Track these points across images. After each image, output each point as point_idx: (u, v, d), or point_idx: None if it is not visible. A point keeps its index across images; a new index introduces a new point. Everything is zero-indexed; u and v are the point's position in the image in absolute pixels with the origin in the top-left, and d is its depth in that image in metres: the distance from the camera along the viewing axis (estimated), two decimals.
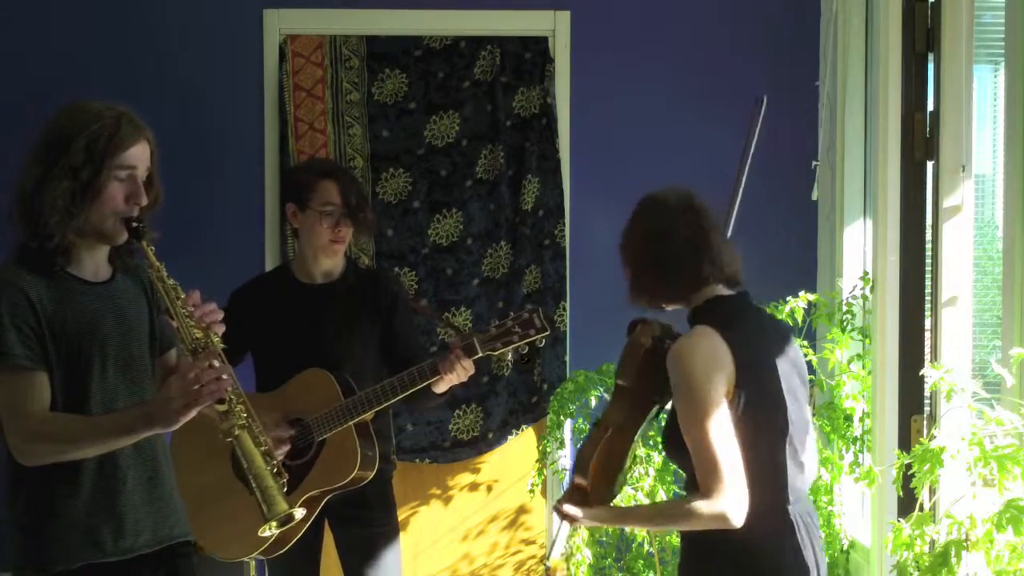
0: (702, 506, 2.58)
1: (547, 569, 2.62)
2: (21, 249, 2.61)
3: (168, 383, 2.54)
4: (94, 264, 2.68)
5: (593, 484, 2.71)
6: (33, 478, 2.59)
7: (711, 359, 2.61)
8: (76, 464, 2.59)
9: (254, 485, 2.56)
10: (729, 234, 2.89)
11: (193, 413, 2.53)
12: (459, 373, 3.49)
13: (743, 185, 3.17)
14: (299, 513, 2.57)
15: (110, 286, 2.69)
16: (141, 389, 2.69)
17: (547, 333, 3.47)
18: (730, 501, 2.57)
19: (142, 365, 2.72)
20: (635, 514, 2.70)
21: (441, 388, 3.56)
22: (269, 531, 2.56)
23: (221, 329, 2.62)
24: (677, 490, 4.15)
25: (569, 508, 2.70)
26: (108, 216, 2.59)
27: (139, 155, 2.62)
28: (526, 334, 3.45)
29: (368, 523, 3.73)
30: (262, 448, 2.58)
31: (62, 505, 2.59)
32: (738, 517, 2.58)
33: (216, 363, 2.53)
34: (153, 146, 2.66)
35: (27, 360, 2.53)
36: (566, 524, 2.65)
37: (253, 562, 4.14)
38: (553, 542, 2.66)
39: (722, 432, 2.58)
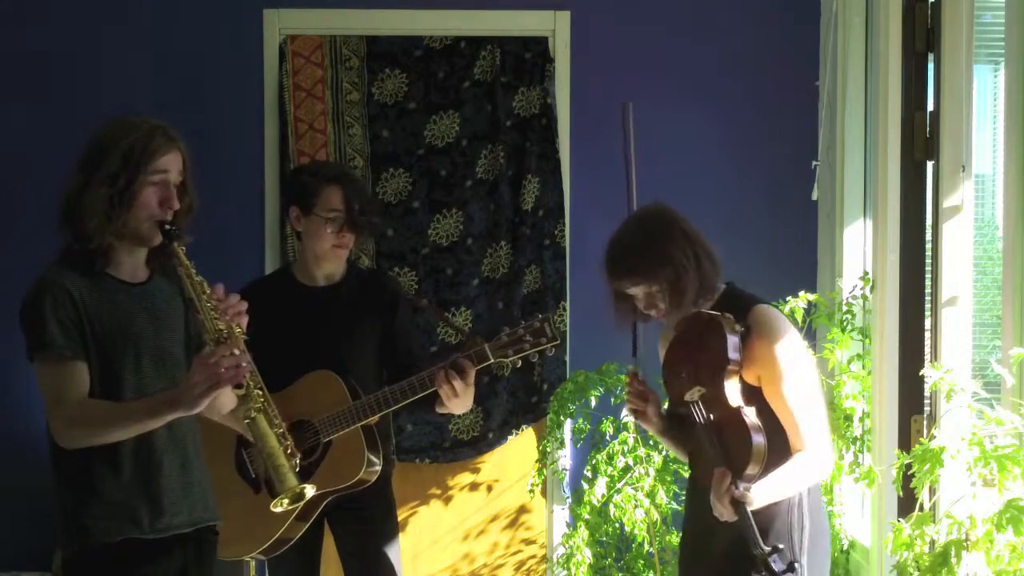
0: (814, 461, 2.79)
1: (764, 555, 2.61)
2: (65, 251, 2.82)
3: (191, 369, 2.73)
4: (132, 266, 2.88)
5: (759, 467, 2.77)
6: (76, 463, 2.78)
7: (791, 327, 2.86)
8: (115, 450, 2.77)
9: (267, 464, 2.75)
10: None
11: (214, 396, 2.70)
12: (462, 383, 3.47)
13: (635, 193, 3.20)
14: (310, 490, 2.75)
15: (147, 287, 2.90)
16: (174, 383, 2.86)
17: (557, 342, 3.52)
18: (830, 451, 2.83)
19: (176, 361, 2.91)
20: (772, 489, 2.75)
21: (442, 409, 3.56)
22: (281, 507, 2.75)
23: (245, 320, 2.79)
24: (677, 490, 4.16)
25: (749, 495, 2.70)
26: (143, 220, 2.80)
27: (171, 162, 2.82)
28: (537, 343, 3.49)
29: (368, 522, 3.74)
30: (277, 430, 2.77)
31: (103, 486, 2.78)
32: (832, 466, 2.89)
33: (236, 351, 2.70)
34: (186, 156, 2.86)
35: (68, 350, 2.74)
36: (748, 511, 2.68)
37: (253, 562, 4.14)
38: (754, 532, 2.64)
39: (817, 390, 2.83)
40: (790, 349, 2.82)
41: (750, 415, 2.78)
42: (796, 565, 2.64)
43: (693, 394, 2.84)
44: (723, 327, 2.79)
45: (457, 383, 3.44)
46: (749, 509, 2.67)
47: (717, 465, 2.76)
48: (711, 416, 2.82)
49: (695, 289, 2.90)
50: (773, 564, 2.59)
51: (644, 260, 2.91)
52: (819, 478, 2.85)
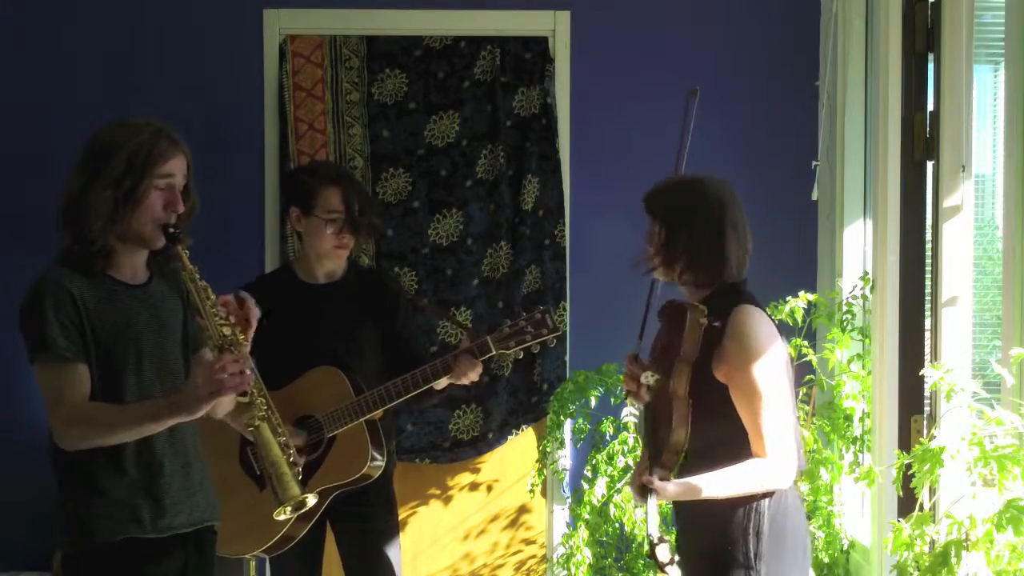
0: (765, 468, 2.74)
1: (653, 545, 2.64)
2: (66, 252, 2.81)
3: (194, 373, 2.74)
4: (133, 268, 2.88)
5: (675, 458, 2.78)
6: (78, 463, 2.78)
7: (772, 333, 2.81)
8: (117, 453, 2.78)
9: (270, 472, 2.77)
10: None
11: (215, 402, 2.71)
12: (470, 373, 3.52)
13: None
14: (312, 499, 2.79)
15: (147, 288, 2.89)
16: (174, 385, 2.87)
17: (558, 333, 3.58)
18: (789, 463, 2.76)
19: (175, 363, 2.91)
20: (703, 485, 2.76)
21: (441, 384, 3.59)
22: (284, 515, 2.79)
23: (251, 329, 2.79)
24: None
25: (656, 482, 2.72)
26: (147, 223, 2.80)
27: (176, 166, 2.83)
28: (538, 334, 3.54)
29: (369, 520, 3.75)
30: (280, 439, 2.79)
31: (106, 485, 2.78)
32: (790, 479, 2.78)
33: (240, 358, 2.70)
34: (189, 159, 2.86)
35: (69, 352, 2.73)
36: (653, 498, 2.74)
37: (253, 560, 4.14)
38: (651, 520, 2.69)
39: (785, 400, 2.77)
40: (762, 355, 2.78)
41: (681, 408, 2.77)
42: (676, 559, 2.67)
43: (648, 378, 2.86)
44: (687, 318, 2.79)
45: (463, 376, 3.54)
46: (654, 498, 2.70)
47: (648, 448, 2.82)
48: (654, 401, 2.84)
49: (682, 257, 2.86)
50: (658, 552, 2.64)
51: (660, 197, 2.94)
52: (772, 487, 2.78)
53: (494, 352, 3.55)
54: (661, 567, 2.65)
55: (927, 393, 3.43)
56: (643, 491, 2.73)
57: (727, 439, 2.77)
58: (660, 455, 2.77)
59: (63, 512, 2.82)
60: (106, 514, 2.77)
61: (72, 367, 2.74)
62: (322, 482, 3.55)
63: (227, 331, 2.74)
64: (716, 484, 2.75)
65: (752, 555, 2.76)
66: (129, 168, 2.75)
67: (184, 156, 2.84)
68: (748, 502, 2.76)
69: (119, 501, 2.78)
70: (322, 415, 3.59)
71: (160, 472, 2.82)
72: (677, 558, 2.68)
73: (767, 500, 2.78)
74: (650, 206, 2.94)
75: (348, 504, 3.68)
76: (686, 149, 3.15)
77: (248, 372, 2.70)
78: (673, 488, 2.74)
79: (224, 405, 2.87)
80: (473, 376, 3.58)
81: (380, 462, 3.63)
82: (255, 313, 2.82)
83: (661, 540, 2.65)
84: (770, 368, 2.77)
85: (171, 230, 2.80)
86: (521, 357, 3.67)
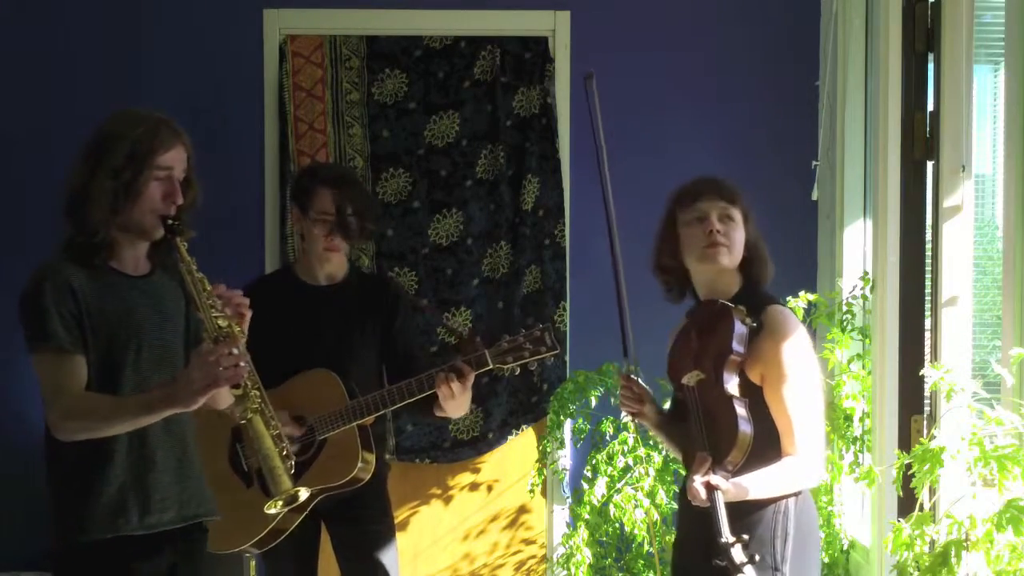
0: (801, 468, 2.79)
1: (727, 544, 2.58)
2: (68, 242, 2.81)
3: (190, 365, 2.72)
4: (134, 259, 2.88)
5: (741, 458, 2.78)
6: (69, 456, 2.78)
7: (805, 332, 2.88)
8: (109, 444, 2.77)
9: (263, 466, 2.76)
10: (614, 221, 3.14)
11: (211, 395, 2.70)
12: (460, 385, 3.49)
13: (607, 170, 3.17)
14: (304, 493, 2.78)
15: (148, 280, 2.90)
16: (172, 378, 2.85)
17: (556, 351, 3.54)
18: (820, 461, 2.84)
19: (175, 355, 2.91)
20: (749, 487, 2.75)
21: (440, 413, 3.59)
22: (275, 508, 2.79)
23: (246, 320, 2.78)
24: (677, 490, 4.16)
25: (723, 482, 2.70)
26: (147, 214, 2.80)
27: (176, 158, 2.83)
28: (537, 351, 3.51)
29: (364, 522, 3.74)
30: (273, 432, 2.78)
31: (95, 482, 2.77)
32: (820, 477, 2.90)
33: (236, 350, 2.69)
34: (190, 151, 2.87)
35: (68, 343, 2.74)
36: (719, 498, 2.69)
37: (253, 560, 4.14)
38: (721, 519, 2.62)
39: (817, 399, 2.83)
40: (798, 354, 2.82)
41: (741, 406, 2.78)
42: (756, 558, 2.61)
43: (691, 378, 2.86)
44: (733, 317, 2.81)
45: (455, 385, 3.46)
46: (722, 498, 2.67)
47: (701, 450, 2.78)
48: (704, 402, 2.83)
49: (751, 242, 2.97)
50: (733, 553, 2.58)
51: (735, 187, 3.04)
52: (804, 486, 2.82)
53: (491, 366, 3.52)
54: (738, 568, 2.58)
55: (927, 393, 3.43)
56: (710, 491, 2.68)
57: (762, 440, 2.78)
58: (721, 455, 2.75)
59: (54, 510, 2.81)
60: (96, 512, 2.76)
61: (71, 359, 2.74)
62: (311, 483, 3.52)
63: (223, 323, 2.72)
64: (761, 485, 2.75)
65: (778, 557, 2.76)
66: (129, 158, 2.76)
67: (184, 147, 2.84)
68: (775, 501, 2.78)
69: (109, 499, 2.77)
70: (315, 417, 3.59)
71: (152, 467, 2.82)
72: (757, 558, 2.62)
73: (793, 499, 2.80)
74: (721, 188, 3.01)
75: (343, 506, 3.67)
76: (600, 133, 3.13)
77: (243, 364, 2.69)
78: (734, 489, 2.72)
79: (224, 396, 2.86)
80: (465, 385, 3.53)
81: (370, 467, 3.62)
82: (247, 303, 2.80)
83: (737, 540, 2.60)
84: (804, 366, 2.81)
85: (170, 222, 2.79)
86: (518, 373, 3.65)
